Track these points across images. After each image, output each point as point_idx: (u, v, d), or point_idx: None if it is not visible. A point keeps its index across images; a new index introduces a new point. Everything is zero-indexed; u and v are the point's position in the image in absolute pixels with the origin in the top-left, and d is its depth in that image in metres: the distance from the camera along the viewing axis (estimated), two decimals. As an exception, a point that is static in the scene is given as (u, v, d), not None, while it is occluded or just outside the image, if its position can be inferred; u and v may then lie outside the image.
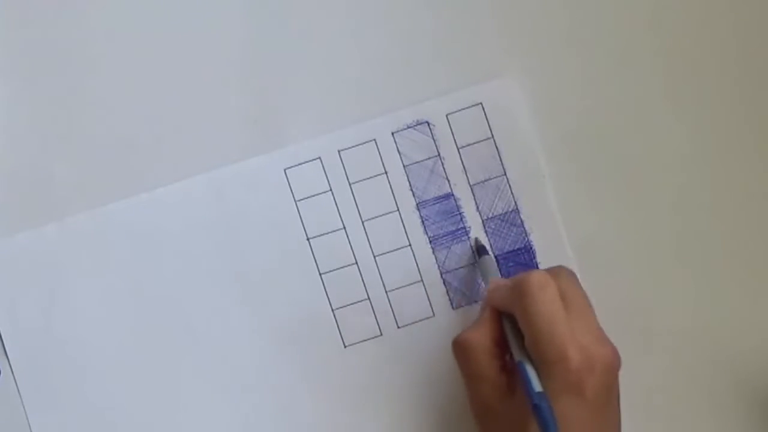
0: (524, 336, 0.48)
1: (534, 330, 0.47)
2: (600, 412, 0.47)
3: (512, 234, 0.57)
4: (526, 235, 0.57)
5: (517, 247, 0.57)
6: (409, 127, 0.57)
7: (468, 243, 0.56)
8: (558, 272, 0.50)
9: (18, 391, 0.56)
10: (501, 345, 0.50)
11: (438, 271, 0.56)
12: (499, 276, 0.54)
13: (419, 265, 0.57)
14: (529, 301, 0.48)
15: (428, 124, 0.57)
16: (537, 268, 0.56)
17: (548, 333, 0.47)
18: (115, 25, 0.57)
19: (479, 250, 0.56)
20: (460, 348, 0.51)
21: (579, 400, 0.47)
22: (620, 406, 0.49)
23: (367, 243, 0.57)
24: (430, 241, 0.57)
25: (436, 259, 0.57)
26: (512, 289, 0.49)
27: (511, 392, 0.49)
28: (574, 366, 0.47)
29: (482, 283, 0.56)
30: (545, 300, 0.48)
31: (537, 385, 0.46)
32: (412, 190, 0.57)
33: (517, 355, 0.49)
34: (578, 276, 0.56)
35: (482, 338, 0.50)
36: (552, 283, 0.48)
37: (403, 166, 0.57)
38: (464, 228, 0.57)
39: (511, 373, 0.50)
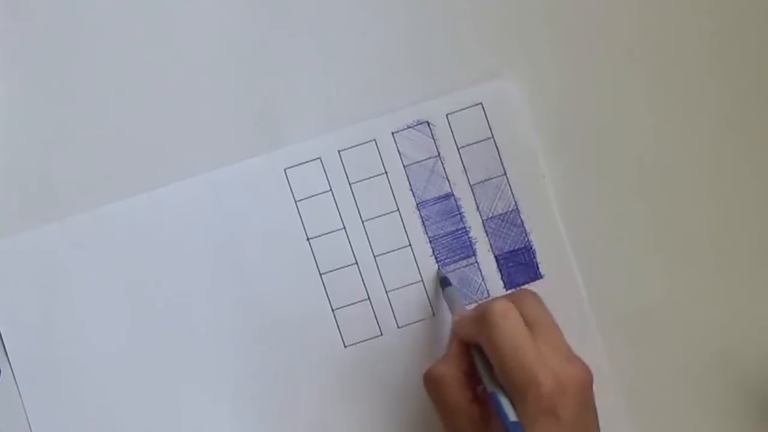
0: (493, 366, 0.48)
1: (501, 359, 0.47)
2: None
3: (512, 234, 0.57)
4: (526, 235, 0.57)
5: (517, 247, 0.57)
6: (409, 127, 0.57)
7: (467, 240, 0.56)
8: (520, 297, 0.50)
9: (18, 391, 0.56)
10: (472, 376, 0.50)
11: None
12: (464, 307, 0.54)
13: (419, 265, 0.56)
14: (493, 331, 0.47)
15: (428, 124, 0.57)
16: (537, 268, 0.56)
17: (516, 361, 0.47)
18: (115, 25, 0.57)
19: (442, 282, 0.56)
20: (431, 381, 0.50)
21: (554, 423, 0.46)
22: (598, 420, 0.49)
23: (367, 243, 0.56)
24: (430, 241, 0.57)
25: (436, 258, 0.56)
26: (476, 320, 0.49)
27: (485, 422, 0.49)
28: (545, 391, 0.46)
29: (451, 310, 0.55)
30: (509, 328, 0.47)
31: (511, 415, 0.46)
32: (412, 190, 0.57)
33: (489, 386, 0.48)
34: (578, 276, 0.56)
35: (452, 371, 0.50)
36: (514, 310, 0.48)
37: (403, 166, 0.57)
38: (464, 228, 0.57)
39: (484, 403, 0.50)
